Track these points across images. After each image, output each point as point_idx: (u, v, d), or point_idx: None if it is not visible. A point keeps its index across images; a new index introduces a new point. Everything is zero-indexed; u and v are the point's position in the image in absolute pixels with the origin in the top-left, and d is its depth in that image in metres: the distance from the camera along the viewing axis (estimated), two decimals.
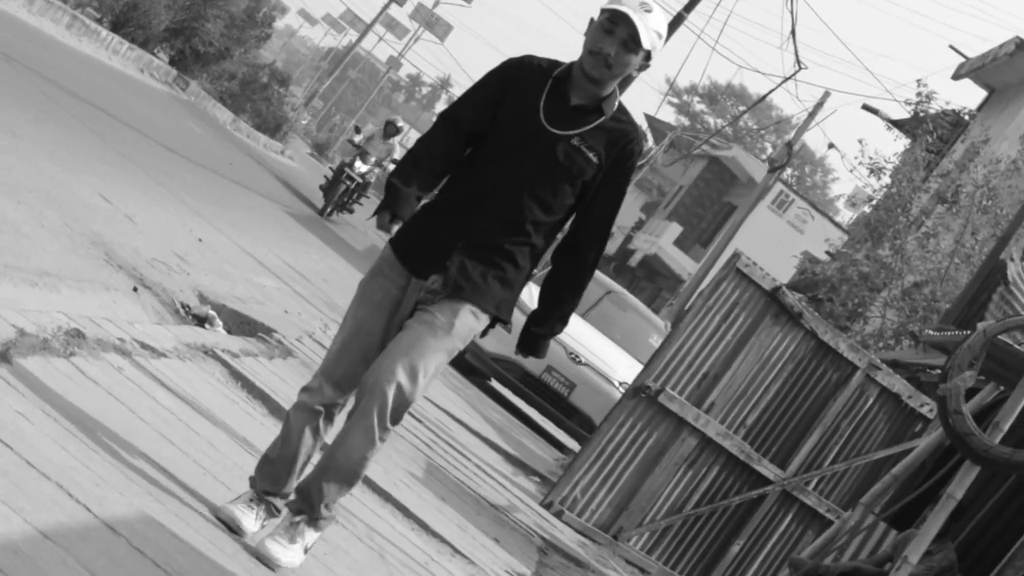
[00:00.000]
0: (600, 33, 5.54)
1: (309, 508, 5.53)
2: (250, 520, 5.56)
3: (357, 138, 30.69)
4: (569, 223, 5.88)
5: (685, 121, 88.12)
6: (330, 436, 5.72)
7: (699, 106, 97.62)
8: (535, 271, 5.86)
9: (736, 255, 12.73)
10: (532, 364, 18.11)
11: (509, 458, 14.26)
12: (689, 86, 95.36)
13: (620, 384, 17.86)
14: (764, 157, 61.71)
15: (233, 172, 25.82)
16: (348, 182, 29.68)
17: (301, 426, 5.64)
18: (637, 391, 12.37)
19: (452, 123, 5.72)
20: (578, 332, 18.47)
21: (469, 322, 5.59)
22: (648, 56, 5.60)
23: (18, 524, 4.23)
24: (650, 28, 5.52)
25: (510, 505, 11.25)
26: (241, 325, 10.83)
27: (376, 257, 5.84)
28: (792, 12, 24.25)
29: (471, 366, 18.93)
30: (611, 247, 61.88)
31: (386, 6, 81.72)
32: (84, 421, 5.54)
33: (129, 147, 17.31)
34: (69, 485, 4.78)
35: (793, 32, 26.55)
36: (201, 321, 9.95)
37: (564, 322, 5.94)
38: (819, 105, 35.89)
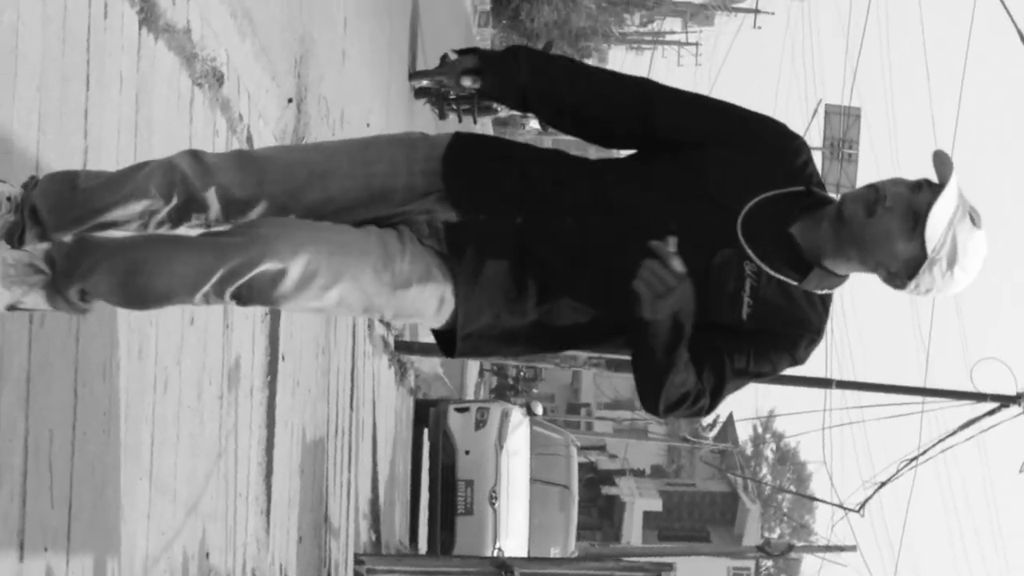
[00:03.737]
0: (899, 180, 3.69)
1: (64, 276, 3.66)
2: None
3: None
4: None
5: (749, 449, 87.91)
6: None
7: (769, 453, 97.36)
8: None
9: (671, 567, 12.65)
10: (461, 464, 18.13)
11: (374, 503, 14.18)
12: (780, 432, 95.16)
13: (498, 548, 17.83)
14: (766, 534, 61.45)
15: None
16: None
17: (148, 185, 3.76)
18: (502, 566, 12.42)
19: (645, 104, 3.85)
20: (517, 485, 18.48)
21: (425, 305, 3.78)
22: (918, 264, 3.63)
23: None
24: (954, 232, 3.59)
25: (337, 530, 11.18)
26: None
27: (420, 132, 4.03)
28: (897, 471, 24.09)
29: (426, 418, 18.95)
30: (608, 465, 61.53)
31: None
32: (153, 119, 5.60)
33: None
34: (97, 123, 4.82)
35: (881, 485, 26.44)
36: None
37: None
38: (839, 549, 35.76)
